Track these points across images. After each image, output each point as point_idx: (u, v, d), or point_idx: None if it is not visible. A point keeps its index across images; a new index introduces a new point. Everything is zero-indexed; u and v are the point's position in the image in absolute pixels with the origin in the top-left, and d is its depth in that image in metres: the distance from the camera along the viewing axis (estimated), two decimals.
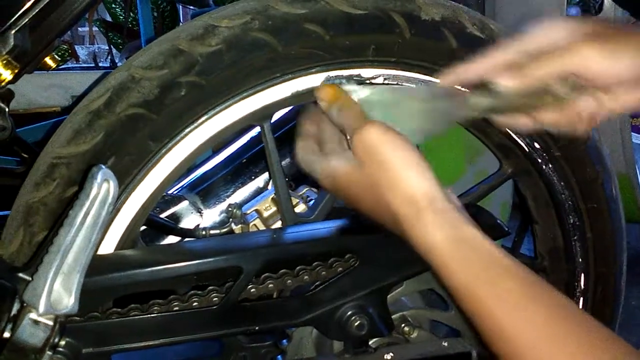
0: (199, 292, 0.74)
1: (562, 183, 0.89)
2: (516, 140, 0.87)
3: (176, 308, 0.73)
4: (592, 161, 0.89)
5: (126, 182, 0.71)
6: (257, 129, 1.07)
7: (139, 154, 0.71)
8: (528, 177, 0.91)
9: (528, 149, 0.87)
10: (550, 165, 0.88)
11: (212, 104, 0.72)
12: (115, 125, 0.69)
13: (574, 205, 0.90)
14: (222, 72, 0.71)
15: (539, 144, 0.87)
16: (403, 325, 0.86)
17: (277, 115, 1.07)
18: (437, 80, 0.72)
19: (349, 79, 0.76)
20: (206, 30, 0.71)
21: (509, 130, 0.86)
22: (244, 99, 0.74)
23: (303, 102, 0.78)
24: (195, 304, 0.73)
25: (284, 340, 0.83)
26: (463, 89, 0.70)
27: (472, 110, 0.70)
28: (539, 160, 0.88)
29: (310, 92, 0.74)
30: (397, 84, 0.78)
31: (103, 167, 0.59)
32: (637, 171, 1.78)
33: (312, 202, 0.90)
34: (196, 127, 0.73)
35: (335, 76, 0.74)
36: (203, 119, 0.72)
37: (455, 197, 0.65)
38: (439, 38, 0.78)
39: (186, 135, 0.72)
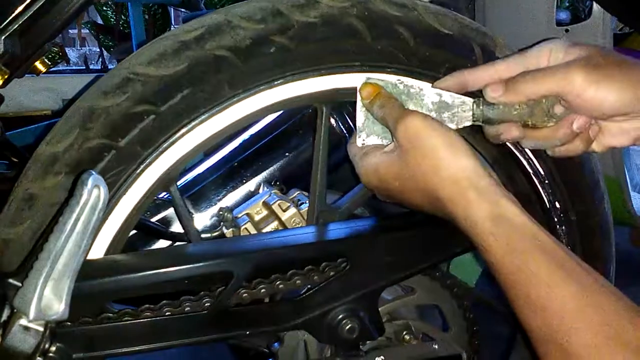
0: (192, 297, 0.74)
1: (569, 248, 0.89)
2: (541, 194, 0.87)
3: (167, 313, 0.73)
4: (601, 234, 0.91)
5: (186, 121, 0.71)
6: (250, 132, 1.09)
7: (211, 94, 0.71)
8: None
9: (549, 205, 0.87)
10: (563, 228, 0.88)
11: (292, 70, 0.74)
12: (201, 59, 0.70)
13: None
14: (311, 43, 0.73)
15: (559, 204, 0.88)
16: (405, 332, 0.87)
17: (270, 117, 1.08)
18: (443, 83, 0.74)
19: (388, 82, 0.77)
20: (308, 2, 0.74)
21: (536, 182, 0.86)
22: (321, 75, 0.75)
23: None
24: (187, 308, 0.73)
25: (276, 344, 0.83)
26: (465, 97, 0.73)
27: (473, 120, 0.73)
28: (555, 220, 0.88)
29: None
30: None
31: (93, 172, 0.59)
32: (626, 174, 1.79)
33: (303, 206, 0.91)
34: (269, 88, 0.73)
35: (374, 78, 0.75)
36: (279, 81, 0.73)
37: (494, 173, 0.68)
38: None
39: (259, 92, 0.73)
